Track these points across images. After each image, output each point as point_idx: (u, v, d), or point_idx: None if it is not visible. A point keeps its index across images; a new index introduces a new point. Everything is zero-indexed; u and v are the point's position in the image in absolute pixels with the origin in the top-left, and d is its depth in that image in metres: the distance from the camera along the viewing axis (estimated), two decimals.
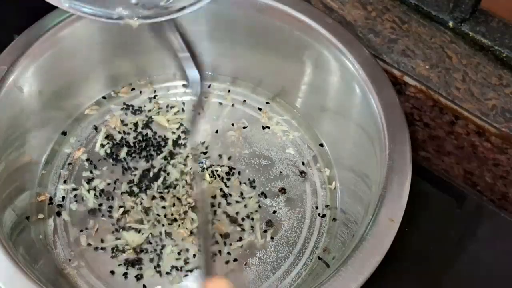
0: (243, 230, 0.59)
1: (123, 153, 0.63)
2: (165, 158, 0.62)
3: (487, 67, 0.59)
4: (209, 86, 0.68)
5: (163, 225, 0.59)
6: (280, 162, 0.63)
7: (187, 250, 0.58)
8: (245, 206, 0.60)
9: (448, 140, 0.62)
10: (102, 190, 0.61)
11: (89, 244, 0.58)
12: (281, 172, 0.63)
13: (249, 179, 0.62)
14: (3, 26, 0.63)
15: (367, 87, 0.56)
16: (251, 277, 0.57)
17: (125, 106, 0.66)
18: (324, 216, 0.60)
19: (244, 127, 0.65)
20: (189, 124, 0.51)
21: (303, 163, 0.63)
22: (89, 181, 0.61)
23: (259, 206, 0.61)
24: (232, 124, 0.65)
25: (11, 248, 0.49)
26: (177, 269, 0.57)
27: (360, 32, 0.62)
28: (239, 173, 0.62)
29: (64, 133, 0.64)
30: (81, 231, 0.59)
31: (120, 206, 0.60)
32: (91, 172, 0.62)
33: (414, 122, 0.63)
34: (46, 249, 0.57)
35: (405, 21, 0.63)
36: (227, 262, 0.57)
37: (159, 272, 0.57)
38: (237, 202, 0.61)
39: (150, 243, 0.58)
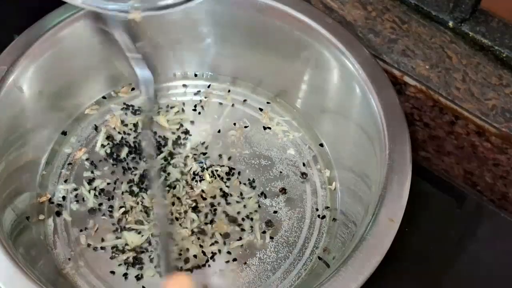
0: (243, 230, 0.59)
1: (123, 153, 0.63)
2: (165, 159, 0.63)
3: (487, 67, 0.59)
4: (209, 86, 0.68)
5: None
6: (280, 162, 0.63)
7: (187, 250, 0.58)
8: (245, 206, 0.60)
9: (448, 140, 0.62)
10: (102, 190, 0.61)
11: (89, 244, 0.58)
12: (281, 172, 0.63)
13: (249, 179, 0.62)
14: (3, 26, 0.63)
15: (367, 87, 0.56)
16: (251, 277, 0.57)
17: (125, 106, 0.66)
18: (324, 217, 0.60)
19: (246, 126, 0.65)
20: (145, 128, 0.51)
21: (303, 164, 0.63)
22: (89, 181, 0.61)
23: (259, 206, 0.61)
24: (234, 124, 0.65)
25: (11, 248, 0.49)
26: (177, 269, 0.57)
27: (360, 32, 0.62)
28: (239, 173, 0.62)
29: (64, 133, 0.64)
30: (81, 230, 0.59)
31: (121, 206, 0.60)
32: (91, 172, 0.62)
33: (414, 122, 0.63)
34: (46, 249, 0.57)
35: (405, 21, 0.63)
36: (227, 261, 0.57)
37: (159, 272, 0.57)
38: (237, 202, 0.61)
39: (150, 243, 0.58)
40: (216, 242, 0.58)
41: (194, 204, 0.60)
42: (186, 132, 0.65)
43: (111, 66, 0.65)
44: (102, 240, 0.58)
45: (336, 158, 0.63)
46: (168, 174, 0.62)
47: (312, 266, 0.58)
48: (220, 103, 0.67)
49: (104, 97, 0.66)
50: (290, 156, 0.64)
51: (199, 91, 0.68)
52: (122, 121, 0.65)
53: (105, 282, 0.56)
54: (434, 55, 0.60)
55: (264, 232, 0.59)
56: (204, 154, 0.63)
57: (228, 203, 0.60)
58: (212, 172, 0.62)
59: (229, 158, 0.63)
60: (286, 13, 0.60)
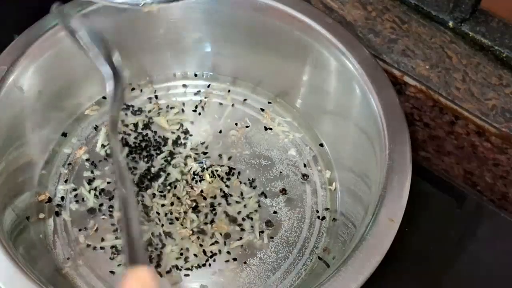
0: (243, 230, 0.59)
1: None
2: (165, 159, 0.62)
3: (487, 67, 0.59)
4: (209, 86, 0.68)
5: (162, 225, 0.59)
6: (280, 162, 0.63)
7: (187, 249, 0.58)
8: (245, 206, 0.60)
9: (448, 140, 0.62)
10: (102, 190, 0.61)
11: (88, 244, 0.58)
12: (281, 172, 0.63)
13: (249, 179, 0.62)
14: (3, 26, 0.62)
15: (367, 87, 0.56)
16: (251, 277, 0.57)
17: (125, 106, 0.66)
18: (324, 218, 0.60)
19: (247, 126, 0.65)
20: (108, 129, 0.49)
21: (304, 165, 0.63)
22: (89, 181, 0.61)
23: (259, 206, 0.61)
24: (236, 124, 0.65)
25: (11, 248, 0.49)
26: (177, 269, 0.57)
27: (360, 32, 0.62)
28: (239, 173, 0.62)
29: (64, 134, 0.64)
30: (80, 230, 0.58)
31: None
32: (91, 172, 0.62)
33: (414, 122, 0.63)
34: (46, 249, 0.57)
35: (405, 21, 0.63)
36: (227, 261, 0.57)
37: (159, 272, 0.57)
38: (237, 202, 0.61)
39: (150, 243, 0.58)
40: (217, 242, 0.58)
41: (194, 204, 0.60)
42: (186, 132, 0.65)
43: None
44: (102, 240, 0.58)
45: (336, 158, 0.63)
46: (168, 174, 0.62)
47: (312, 266, 0.58)
48: (220, 103, 0.67)
49: (104, 97, 0.66)
50: (290, 156, 0.64)
51: (199, 91, 0.68)
52: (122, 121, 0.65)
53: (105, 282, 0.56)
54: (434, 55, 0.60)
55: (264, 232, 0.59)
56: (205, 154, 0.63)
57: (228, 203, 0.60)
58: (212, 172, 0.62)
59: (229, 158, 0.63)
60: (286, 13, 0.60)
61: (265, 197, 0.61)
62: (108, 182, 0.61)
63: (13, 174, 0.57)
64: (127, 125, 0.65)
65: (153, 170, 0.62)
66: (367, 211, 0.52)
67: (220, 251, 0.58)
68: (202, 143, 0.64)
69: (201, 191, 0.61)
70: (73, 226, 0.59)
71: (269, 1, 0.60)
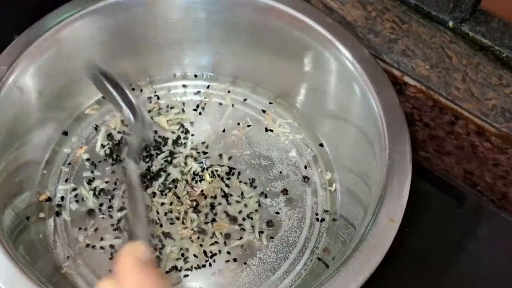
0: (243, 230, 0.59)
1: (123, 153, 0.63)
2: (165, 159, 0.62)
3: (487, 67, 0.59)
4: (209, 87, 0.68)
5: (161, 225, 0.59)
6: (280, 163, 0.63)
7: (187, 249, 0.58)
8: (245, 206, 0.60)
9: (448, 140, 0.62)
10: (102, 190, 0.61)
11: (88, 244, 0.58)
12: (281, 172, 0.63)
13: (249, 179, 0.62)
14: (3, 26, 0.62)
15: (367, 87, 0.56)
16: (251, 277, 0.57)
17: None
18: (323, 220, 0.60)
19: (248, 125, 0.65)
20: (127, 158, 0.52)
21: (305, 167, 0.63)
22: (89, 181, 0.61)
23: (259, 206, 0.61)
24: (238, 124, 0.65)
25: (11, 248, 0.49)
26: (177, 269, 0.57)
27: (360, 32, 0.62)
28: (239, 173, 0.62)
29: (64, 133, 0.64)
30: (80, 229, 0.59)
31: (121, 207, 0.60)
32: (91, 172, 0.62)
33: (414, 122, 0.63)
34: (46, 249, 0.57)
35: (405, 21, 0.63)
36: (227, 261, 0.57)
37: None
38: (237, 202, 0.61)
39: (150, 243, 0.58)
40: (217, 242, 0.58)
41: (194, 204, 0.60)
42: (187, 132, 0.65)
43: (111, 66, 0.65)
44: (102, 239, 0.58)
45: (336, 159, 0.63)
46: (169, 174, 0.62)
47: (312, 266, 0.58)
48: (220, 104, 0.67)
49: (104, 97, 0.66)
50: (291, 156, 0.64)
51: (199, 91, 0.68)
52: (122, 121, 0.65)
53: None
54: (434, 55, 0.60)
55: (264, 232, 0.59)
56: (205, 153, 0.63)
57: (228, 203, 0.60)
58: (212, 172, 0.62)
59: (230, 158, 0.63)
60: (286, 13, 0.60)
61: (265, 197, 0.61)
62: (108, 183, 0.61)
63: (13, 173, 0.57)
64: (127, 125, 0.65)
65: (153, 169, 0.62)
66: (367, 211, 0.52)
67: (220, 251, 0.58)
68: (203, 143, 0.64)
69: (201, 191, 0.61)
70: (73, 226, 0.59)
71: (269, 1, 0.60)
